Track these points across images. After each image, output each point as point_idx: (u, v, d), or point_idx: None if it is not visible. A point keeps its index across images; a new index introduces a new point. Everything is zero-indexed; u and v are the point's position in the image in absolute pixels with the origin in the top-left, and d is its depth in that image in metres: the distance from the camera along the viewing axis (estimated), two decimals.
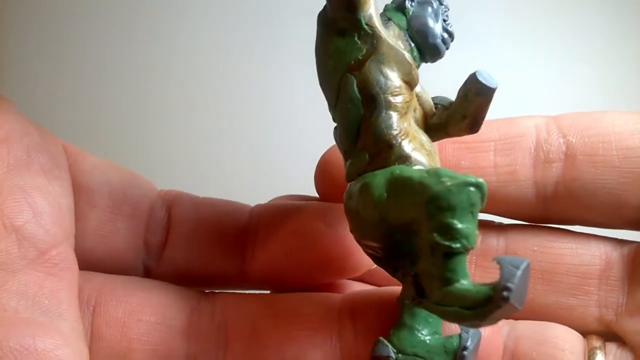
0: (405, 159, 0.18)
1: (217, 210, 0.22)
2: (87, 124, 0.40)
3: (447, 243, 0.15)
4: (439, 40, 0.20)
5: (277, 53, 0.40)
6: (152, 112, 0.41)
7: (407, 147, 0.18)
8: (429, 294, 0.16)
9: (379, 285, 0.23)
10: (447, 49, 0.20)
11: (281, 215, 0.22)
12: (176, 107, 0.41)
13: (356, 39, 0.18)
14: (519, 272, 0.15)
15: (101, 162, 0.22)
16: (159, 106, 0.41)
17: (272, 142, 0.40)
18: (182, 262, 0.22)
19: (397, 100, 0.18)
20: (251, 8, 0.40)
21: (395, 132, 0.18)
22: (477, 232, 0.16)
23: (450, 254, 0.15)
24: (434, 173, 0.16)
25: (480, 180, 0.16)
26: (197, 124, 0.41)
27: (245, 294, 0.21)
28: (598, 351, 0.21)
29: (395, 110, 0.18)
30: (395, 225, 0.17)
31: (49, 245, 0.18)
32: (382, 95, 0.18)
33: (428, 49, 0.20)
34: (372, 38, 0.18)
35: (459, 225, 0.15)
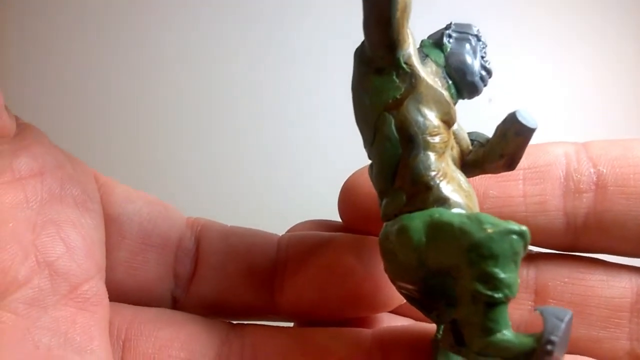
0: (443, 201, 0.17)
1: (245, 241, 0.22)
2: (109, 147, 0.40)
3: (489, 293, 0.15)
4: (477, 78, 0.19)
5: (297, 66, 0.40)
6: (173, 131, 0.41)
7: (446, 188, 0.18)
8: (469, 343, 0.16)
9: (412, 317, 0.22)
10: (485, 86, 0.20)
11: (310, 247, 0.22)
12: (197, 124, 0.41)
13: (394, 77, 0.18)
14: (562, 325, 0.14)
15: (132, 192, 0.22)
16: (179, 124, 0.41)
17: (295, 158, 0.40)
18: (210, 293, 0.22)
19: (436, 140, 0.18)
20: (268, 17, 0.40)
21: (433, 173, 0.18)
22: (519, 280, 0.16)
23: (493, 304, 0.15)
24: (475, 219, 0.16)
25: (524, 228, 0.15)
26: (220, 142, 0.41)
27: (274, 327, 0.21)
28: None
29: (433, 151, 0.18)
30: (433, 270, 0.17)
31: (81, 280, 0.18)
32: (420, 136, 0.18)
33: (466, 86, 0.19)
34: (410, 77, 0.18)
35: (502, 275, 0.15)
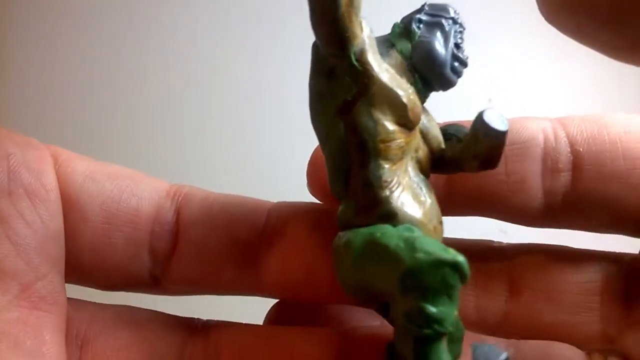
0: (392, 216, 0.16)
1: (230, 211, 0.20)
2: (95, 121, 0.40)
3: (416, 328, 0.14)
4: (447, 70, 0.17)
5: (277, 53, 0.39)
6: (170, 128, 0.41)
7: (396, 201, 0.16)
8: None
9: None
10: (458, 77, 0.17)
11: (302, 219, 0.20)
12: (192, 122, 0.41)
13: (346, 77, 0.16)
14: None
15: (94, 168, 0.20)
16: (164, 104, 0.41)
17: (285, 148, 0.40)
18: (191, 271, 0.20)
19: (389, 146, 0.16)
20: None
21: (384, 185, 0.16)
22: (455, 313, 0.14)
23: (422, 340, 0.14)
24: (411, 243, 0.14)
25: (459, 259, 0.14)
26: (216, 137, 0.41)
27: (240, 325, 0.20)
28: None
29: (386, 159, 0.16)
30: (371, 291, 0.16)
31: (33, 278, 0.18)
32: (371, 143, 0.16)
33: (435, 79, 0.17)
34: (363, 76, 0.16)
35: (431, 309, 0.14)
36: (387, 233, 0.15)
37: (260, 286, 0.20)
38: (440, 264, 0.14)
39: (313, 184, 0.20)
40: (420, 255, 0.14)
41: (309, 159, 0.20)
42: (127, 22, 0.41)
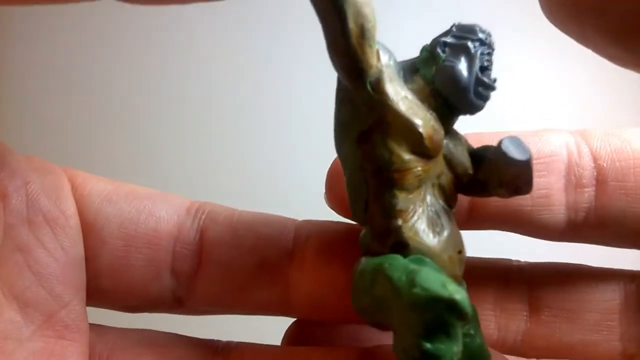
0: (403, 247, 0.16)
1: (256, 231, 0.20)
2: (109, 146, 0.40)
3: None
4: (470, 95, 0.17)
5: (277, 53, 0.39)
6: (174, 129, 0.41)
7: (409, 231, 0.16)
8: None
9: None
10: (484, 101, 0.17)
11: (333, 239, 0.20)
12: (199, 123, 0.41)
13: (363, 107, 0.16)
14: None
15: (111, 189, 0.20)
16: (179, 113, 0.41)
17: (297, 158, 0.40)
18: (217, 292, 0.20)
19: (404, 175, 0.16)
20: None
21: (398, 214, 0.16)
22: (455, 349, 0.14)
23: None
24: (411, 278, 0.14)
25: (456, 297, 0.14)
26: (222, 141, 0.41)
27: (262, 347, 0.20)
28: None
29: (400, 188, 0.16)
30: (379, 320, 0.16)
31: (56, 307, 0.18)
32: (385, 172, 0.16)
33: (460, 104, 0.17)
34: (379, 105, 0.16)
35: (427, 346, 0.14)
36: (394, 264, 0.15)
37: (289, 307, 0.20)
38: (436, 302, 0.14)
39: (332, 198, 0.20)
40: (417, 290, 0.14)
41: (327, 171, 0.20)
42: (127, 22, 0.41)
